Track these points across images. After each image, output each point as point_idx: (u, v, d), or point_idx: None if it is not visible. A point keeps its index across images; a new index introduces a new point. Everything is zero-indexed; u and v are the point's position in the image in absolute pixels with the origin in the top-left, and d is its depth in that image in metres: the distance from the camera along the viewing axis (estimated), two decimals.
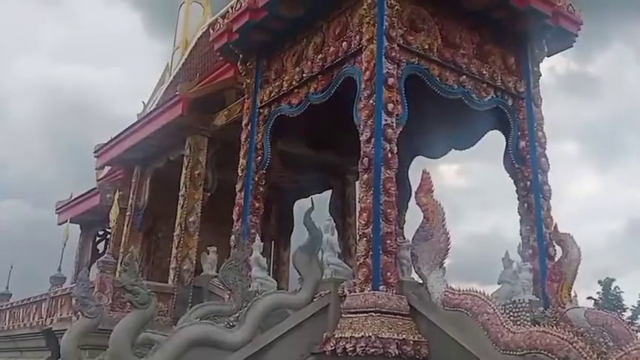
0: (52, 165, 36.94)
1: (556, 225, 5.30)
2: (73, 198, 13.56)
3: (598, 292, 22.24)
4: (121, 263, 9.29)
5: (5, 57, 42.01)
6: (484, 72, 6.37)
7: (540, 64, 7.02)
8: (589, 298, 20.85)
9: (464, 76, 6.17)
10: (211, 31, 8.02)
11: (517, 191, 6.55)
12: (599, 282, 22.34)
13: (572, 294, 4.88)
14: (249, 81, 7.42)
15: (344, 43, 6.02)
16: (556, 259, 5.88)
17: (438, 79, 5.98)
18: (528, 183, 6.45)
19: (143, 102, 13.18)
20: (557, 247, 5.56)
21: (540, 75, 6.94)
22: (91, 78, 40.01)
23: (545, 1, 6.46)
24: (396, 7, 5.70)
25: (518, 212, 6.47)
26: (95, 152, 11.38)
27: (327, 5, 6.34)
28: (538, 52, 6.91)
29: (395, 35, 5.65)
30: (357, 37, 5.85)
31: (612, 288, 22.34)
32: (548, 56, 7.12)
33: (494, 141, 7.06)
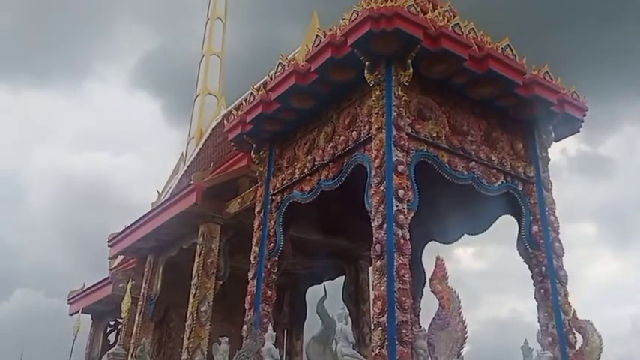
0: (66, 254, 37.06)
1: (574, 311, 5.20)
2: (85, 288, 13.50)
3: None
4: (132, 355, 9.12)
5: (25, 147, 43.23)
6: (493, 158, 6.46)
7: (549, 149, 7.11)
8: None
9: (473, 163, 6.26)
10: (225, 122, 8.26)
11: (532, 277, 6.46)
12: None
13: None
14: (262, 169, 7.56)
15: (354, 133, 6.18)
16: (577, 347, 5.72)
17: (447, 165, 6.07)
18: (543, 268, 6.37)
19: (157, 191, 13.38)
20: (578, 334, 5.43)
21: (549, 160, 7.01)
22: (108, 165, 40.86)
23: (549, 88, 6.64)
24: (404, 98, 5.88)
25: (535, 298, 6.34)
26: (109, 241, 11.44)
27: (336, 97, 6.56)
28: (545, 137, 7.02)
29: (403, 124, 5.79)
30: (367, 126, 6.00)
31: None
32: (555, 141, 7.22)
33: (509, 223, 7.04)
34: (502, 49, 6.32)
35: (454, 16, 6.44)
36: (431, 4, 6.94)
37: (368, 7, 5.73)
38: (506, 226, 7.15)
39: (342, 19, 6.09)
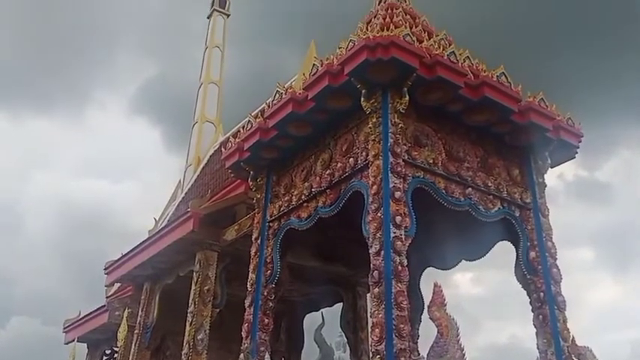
0: (64, 281, 36.84)
1: (573, 338, 5.18)
2: (81, 316, 13.38)
3: None
4: None
5: (24, 174, 43.26)
6: (489, 184, 6.49)
7: (545, 175, 7.14)
8: None
9: (470, 189, 6.28)
10: (223, 149, 8.30)
11: (531, 303, 6.43)
12: None
13: None
14: (259, 196, 7.57)
15: (351, 159, 6.21)
16: None
17: (444, 191, 6.09)
18: (542, 294, 6.34)
19: (154, 218, 13.36)
20: None
21: (545, 186, 7.04)
22: (107, 192, 40.90)
23: (545, 115, 6.70)
24: (400, 125, 5.93)
25: (534, 324, 6.31)
26: (105, 269, 11.38)
27: (333, 124, 6.61)
28: (541, 163, 7.06)
29: (400, 151, 5.83)
30: (364, 153, 6.04)
31: None
32: (552, 167, 7.26)
33: (507, 249, 7.04)
34: (497, 76, 6.39)
35: (449, 45, 6.54)
36: (426, 33, 7.06)
37: (364, 37, 5.82)
38: (505, 251, 7.15)
39: (339, 48, 6.17)
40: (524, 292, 6.55)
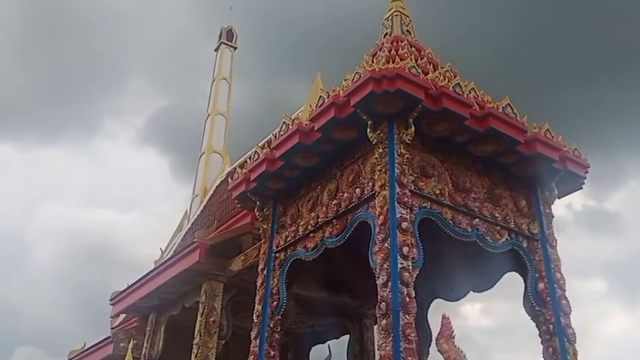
0: (70, 312, 36.66)
1: None
2: (85, 347, 13.30)
3: None
4: None
5: (31, 205, 43.42)
6: (497, 215, 6.47)
7: (552, 205, 7.11)
8: None
9: (477, 219, 6.26)
10: (229, 179, 8.34)
11: (540, 335, 6.35)
12: None
13: None
14: (265, 226, 7.56)
15: (357, 190, 6.22)
16: None
17: (451, 222, 6.07)
18: (551, 326, 6.26)
19: (161, 249, 13.37)
20: None
21: (553, 216, 7.01)
22: (115, 222, 40.94)
23: (551, 146, 6.71)
24: (406, 156, 5.94)
25: (544, 357, 6.21)
26: (111, 299, 11.34)
27: (340, 155, 6.64)
28: (548, 194, 7.03)
29: (406, 182, 5.84)
30: (370, 183, 6.05)
31: None
32: (559, 198, 7.23)
33: (516, 279, 6.97)
34: (503, 107, 6.43)
35: (454, 76, 6.60)
36: (432, 65, 7.13)
37: (370, 69, 5.88)
38: (514, 281, 7.08)
39: (345, 80, 6.25)
40: (534, 324, 6.47)
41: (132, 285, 10.58)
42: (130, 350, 8.73)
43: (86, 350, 13.18)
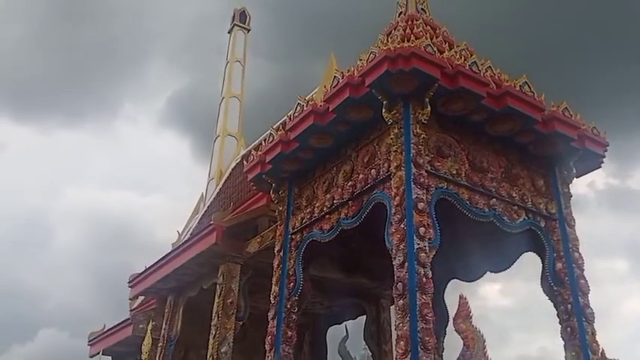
0: (92, 294, 37.24)
1: (603, 351, 5.07)
2: (105, 329, 13.50)
3: None
4: None
5: (54, 188, 43.93)
6: (514, 194, 6.41)
7: (570, 185, 7.03)
8: None
9: (494, 199, 6.21)
10: (245, 162, 8.34)
11: (558, 315, 6.32)
12: None
13: None
14: (281, 208, 7.58)
15: (373, 171, 6.19)
16: None
17: (468, 202, 6.03)
18: (569, 306, 6.23)
19: (178, 231, 13.47)
20: None
21: (571, 196, 6.93)
22: (136, 204, 41.34)
23: (569, 124, 6.61)
24: (422, 136, 5.90)
25: (562, 337, 6.19)
26: (129, 282, 11.48)
27: (355, 136, 6.60)
28: (567, 173, 6.95)
29: (422, 162, 5.79)
30: (386, 164, 6.02)
31: None
32: (577, 177, 7.14)
33: (534, 260, 6.93)
34: (520, 86, 6.33)
35: (471, 55, 6.50)
36: (447, 44, 7.03)
37: (385, 48, 5.81)
38: (533, 262, 7.04)
39: (360, 60, 6.18)
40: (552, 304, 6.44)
41: (150, 267, 10.70)
42: (149, 332, 8.85)
43: (106, 332, 13.38)
